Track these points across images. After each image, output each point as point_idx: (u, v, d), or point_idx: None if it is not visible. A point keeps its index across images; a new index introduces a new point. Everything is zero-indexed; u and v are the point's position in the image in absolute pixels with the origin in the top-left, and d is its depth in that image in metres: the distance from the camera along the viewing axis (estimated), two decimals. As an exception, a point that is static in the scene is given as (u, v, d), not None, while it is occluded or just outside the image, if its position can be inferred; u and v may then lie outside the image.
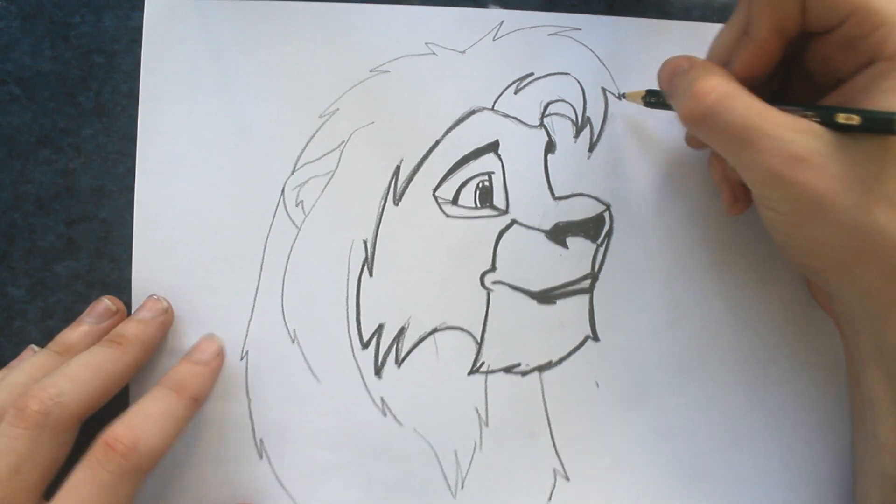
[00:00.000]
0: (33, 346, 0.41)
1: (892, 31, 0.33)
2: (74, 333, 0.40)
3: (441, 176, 0.43)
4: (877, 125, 0.33)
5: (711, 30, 0.44)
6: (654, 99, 0.41)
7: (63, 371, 0.36)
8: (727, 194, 0.41)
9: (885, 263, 0.34)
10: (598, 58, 0.44)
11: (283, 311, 0.42)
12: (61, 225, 0.43)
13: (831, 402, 0.43)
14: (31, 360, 0.38)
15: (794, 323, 0.44)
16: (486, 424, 0.42)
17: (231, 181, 0.42)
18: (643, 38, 0.45)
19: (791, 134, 0.33)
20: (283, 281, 0.42)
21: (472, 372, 0.42)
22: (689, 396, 0.43)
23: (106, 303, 0.41)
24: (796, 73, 0.39)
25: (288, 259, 0.42)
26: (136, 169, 0.42)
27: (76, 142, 0.43)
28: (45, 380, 0.36)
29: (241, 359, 0.42)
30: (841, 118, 0.33)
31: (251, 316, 0.42)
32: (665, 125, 0.44)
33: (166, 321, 0.41)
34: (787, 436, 0.43)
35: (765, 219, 0.37)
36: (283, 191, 0.43)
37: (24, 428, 0.34)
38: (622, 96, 0.44)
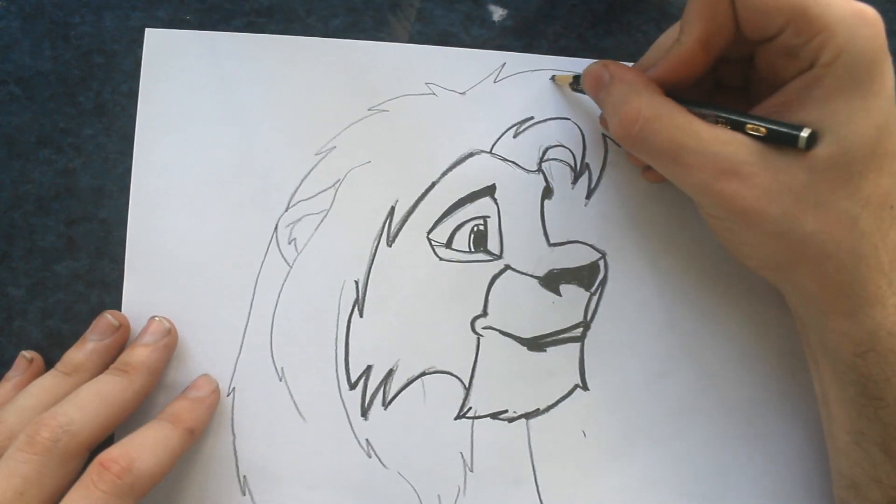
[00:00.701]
0: (24, 353, 0.41)
1: (829, 38, 0.33)
2: (80, 353, 0.40)
3: (436, 218, 0.43)
4: (783, 138, 0.34)
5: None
6: (580, 86, 0.41)
7: (72, 400, 0.36)
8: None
9: (818, 269, 0.35)
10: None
11: (271, 349, 0.42)
12: (61, 225, 0.43)
13: (821, 455, 0.43)
14: (39, 383, 0.39)
15: (784, 377, 0.44)
16: (471, 470, 0.42)
17: (224, 216, 0.42)
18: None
19: (717, 147, 0.34)
20: (273, 318, 0.42)
21: (458, 417, 0.42)
22: (677, 448, 0.43)
23: (108, 318, 0.41)
24: (754, 76, 0.39)
25: (279, 297, 0.42)
26: (130, 200, 0.42)
27: (76, 142, 0.43)
28: (56, 408, 0.36)
29: (228, 395, 0.42)
30: (749, 128, 0.34)
31: (239, 352, 0.42)
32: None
33: (170, 343, 0.41)
34: (775, 490, 0.43)
35: (706, 222, 0.38)
36: (276, 228, 0.42)
37: (33, 453, 0.34)
38: (552, 78, 0.44)
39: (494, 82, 0.44)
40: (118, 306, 0.42)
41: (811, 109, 0.34)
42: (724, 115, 0.35)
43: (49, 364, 0.40)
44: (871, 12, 0.33)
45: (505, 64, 0.44)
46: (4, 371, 0.41)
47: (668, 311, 0.43)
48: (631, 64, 0.39)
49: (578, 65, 0.44)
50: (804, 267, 0.35)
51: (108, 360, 0.40)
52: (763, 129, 0.34)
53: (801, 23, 0.33)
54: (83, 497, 0.34)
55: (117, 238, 0.42)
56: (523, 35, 0.45)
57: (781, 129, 0.34)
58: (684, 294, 0.43)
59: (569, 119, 0.44)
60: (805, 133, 0.33)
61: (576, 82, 0.42)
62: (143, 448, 0.36)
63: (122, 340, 0.41)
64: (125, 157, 0.43)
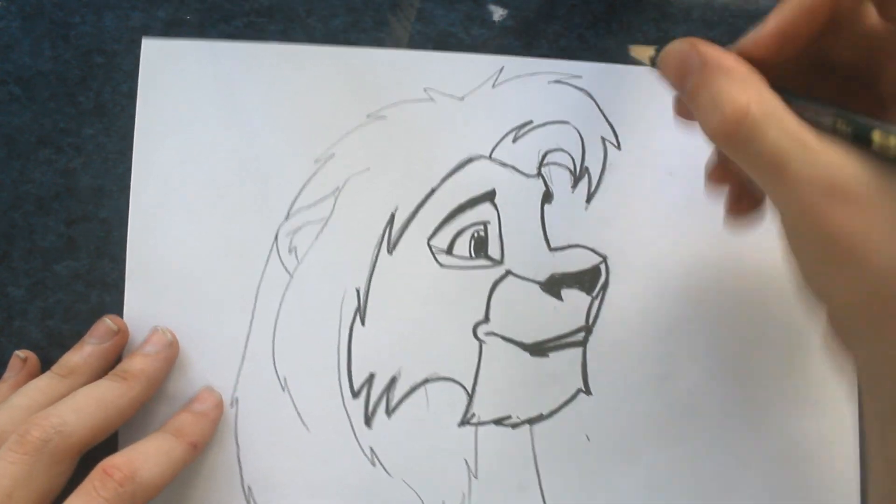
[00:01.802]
0: (18, 353, 0.41)
1: None
2: (77, 356, 0.40)
3: (436, 225, 0.42)
4: None
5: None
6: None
7: (68, 402, 0.36)
8: (731, 192, 0.36)
9: None
10: (599, 106, 0.44)
11: (274, 359, 0.42)
12: (61, 225, 0.43)
13: (825, 457, 0.43)
14: (34, 384, 0.38)
15: (788, 378, 0.43)
16: (476, 476, 0.42)
17: (224, 225, 0.42)
18: (644, 86, 0.44)
19: (833, 159, 0.27)
20: (275, 328, 0.42)
21: (462, 423, 0.42)
22: (682, 451, 0.43)
23: (107, 322, 0.41)
24: (864, 95, 0.32)
25: (280, 306, 0.42)
26: (129, 210, 0.42)
27: (76, 142, 0.43)
28: (50, 409, 0.36)
29: (231, 405, 0.42)
30: (876, 136, 0.27)
31: (242, 362, 0.42)
32: (665, 177, 0.43)
33: (171, 355, 0.41)
34: (781, 492, 0.43)
35: (791, 248, 0.31)
36: (276, 236, 0.42)
37: (23, 453, 0.34)
38: (629, 51, 0.37)
39: (493, 87, 0.43)
40: (118, 306, 0.42)
41: None
42: (842, 118, 0.28)
43: (49, 364, 0.40)
44: None
45: (503, 68, 0.44)
46: (3, 372, 0.41)
47: (670, 314, 0.43)
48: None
49: (578, 68, 0.44)
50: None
51: (105, 365, 0.40)
52: (893, 139, 0.26)
53: None
54: (85, 503, 0.33)
55: (117, 238, 0.42)
56: (523, 35, 0.45)
57: None
58: (686, 297, 0.43)
59: (568, 123, 0.43)
60: None
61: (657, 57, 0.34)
62: (147, 457, 0.35)
63: (121, 345, 0.41)
64: (125, 157, 0.43)
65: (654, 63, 0.34)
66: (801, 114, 0.28)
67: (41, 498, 0.34)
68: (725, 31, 0.46)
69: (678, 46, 0.32)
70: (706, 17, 0.46)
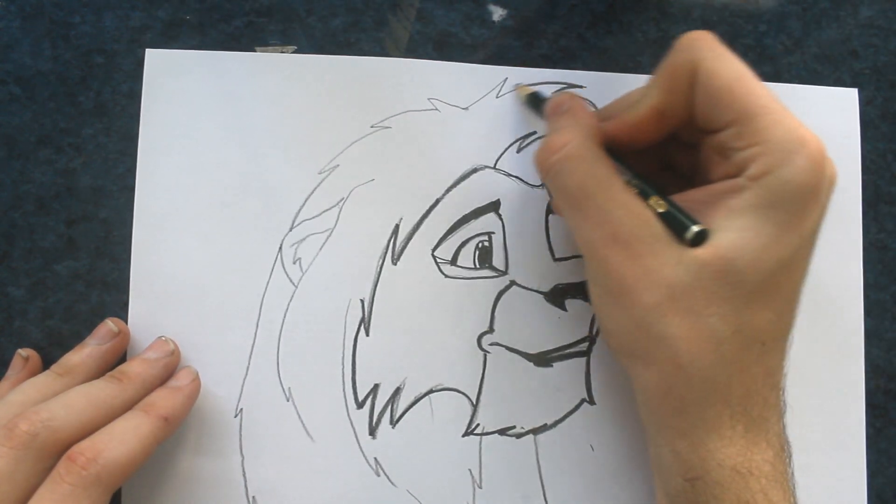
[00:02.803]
0: (20, 352, 0.41)
1: (765, 152, 0.32)
2: (76, 356, 0.40)
3: (440, 235, 0.42)
4: (675, 224, 0.33)
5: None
6: (532, 105, 0.41)
7: (59, 399, 0.36)
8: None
9: (666, 376, 0.34)
10: (602, 115, 0.44)
11: (278, 369, 0.42)
12: (61, 225, 0.43)
13: (827, 459, 0.44)
14: (32, 381, 0.38)
15: (791, 385, 0.43)
16: (480, 486, 0.42)
17: (228, 237, 0.42)
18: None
19: (621, 213, 0.34)
20: (280, 339, 0.42)
21: (466, 433, 0.42)
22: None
23: (109, 325, 0.41)
24: (696, 166, 0.38)
25: (284, 317, 0.42)
26: (134, 221, 0.42)
27: (76, 142, 0.43)
28: (41, 404, 0.36)
29: (236, 416, 0.42)
30: (651, 200, 0.34)
31: (246, 373, 0.42)
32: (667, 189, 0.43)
33: (171, 363, 0.41)
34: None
35: (586, 274, 0.37)
36: (280, 248, 0.42)
37: (10, 447, 0.34)
38: (514, 88, 0.43)
39: (497, 97, 0.43)
40: (118, 306, 0.42)
41: (721, 216, 0.33)
42: (636, 180, 0.35)
43: (50, 364, 0.40)
44: (815, 145, 0.32)
45: (507, 79, 0.43)
46: (4, 371, 0.41)
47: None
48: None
49: (581, 77, 0.44)
50: (655, 368, 0.34)
51: (104, 366, 0.40)
52: (663, 207, 0.33)
53: (744, 127, 0.33)
54: (51, 490, 0.33)
55: (117, 238, 0.42)
56: (523, 35, 0.45)
57: (677, 215, 0.33)
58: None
59: (572, 132, 0.43)
60: (695, 228, 0.32)
61: (531, 99, 0.42)
62: (112, 438, 0.35)
63: (121, 347, 0.41)
64: (125, 157, 0.43)
65: (527, 102, 0.42)
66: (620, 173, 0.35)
67: (25, 492, 0.34)
68: (725, 31, 0.46)
69: (563, 94, 0.39)
70: (706, 17, 0.46)
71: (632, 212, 0.34)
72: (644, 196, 0.34)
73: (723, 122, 0.33)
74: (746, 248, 0.32)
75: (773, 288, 0.33)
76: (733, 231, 0.32)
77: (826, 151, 0.33)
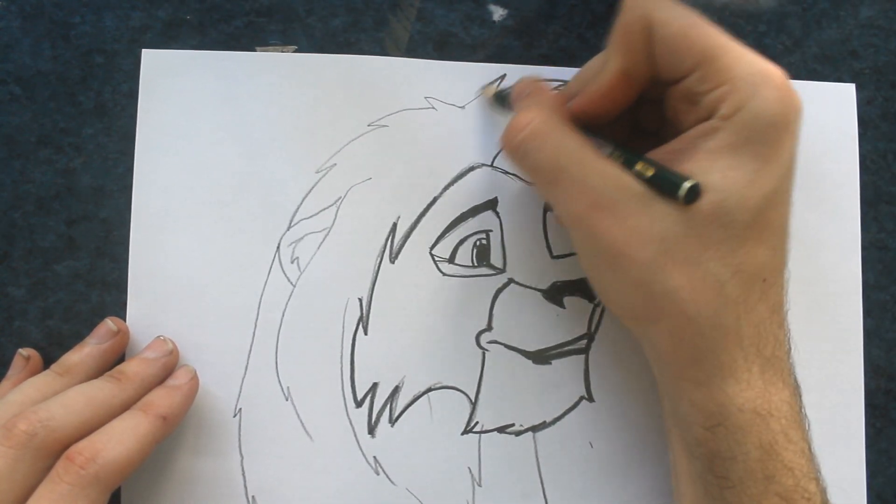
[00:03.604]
0: (21, 351, 0.41)
1: (731, 91, 0.32)
2: (76, 355, 0.40)
3: (438, 234, 0.42)
4: (665, 185, 0.32)
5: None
6: (501, 103, 0.41)
7: (58, 398, 0.36)
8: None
9: (675, 329, 0.34)
10: (600, 113, 0.44)
11: (277, 369, 0.42)
12: (61, 225, 0.43)
13: (828, 459, 0.43)
14: (32, 381, 0.39)
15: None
16: (479, 484, 0.42)
17: (226, 237, 0.42)
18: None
19: (599, 179, 0.33)
20: (278, 338, 0.42)
21: (465, 432, 0.42)
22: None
23: (108, 324, 0.41)
24: (664, 121, 0.38)
25: (283, 316, 0.42)
26: (131, 222, 0.42)
27: (76, 142, 0.43)
28: (40, 404, 0.36)
29: (235, 415, 0.42)
30: (638, 166, 0.33)
31: (245, 373, 0.42)
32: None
33: (169, 363, 0.41)
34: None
35: (574, 247, 0.37)
36: (278, 247, 0.42)
37: (8, 446, 0.34)
38: (479, 91, 0.43)
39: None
40: (118, 306, 0.42)
41: (701, 161, 0.32)
42: (618, 150, 0.34)
43: (50, 364, 0.40)
44: (778, 76, 0.32)
45: (504, 76, 0.43)
46: (4, 371, 0.41)
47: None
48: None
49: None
50: (662, 324, 0.34)
51: (104, 366, 0.40)
52: (650, 171, 0.33)
53: (707, 69, 0.32)
54: (50, 490, 0.33)
55: (117, 238, 0.42)
56: (523, 35, 0.45)
57: (666, 175, 0.32)
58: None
59: (570, 130, 0.43)
60: (687, 184, 0.31)
61: (498, 98, 0.41)
62: (110, 438, 0.35)
63: (120, 347, 0.41)
64: (125, 157, 0.43)
65: (492, 101, 0.42)
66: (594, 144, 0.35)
67: (24, 492, 0.34)
68: (725, 30, 0.45)
69: (526, 80, 0.39)
70: (706, 17, 0.46)
71: (608, 177, 0.33)
72: (629, 164, 0.33)
73: (685, 69, 0.33)
74: (732, 187, 0.32)
75: (764, 223, 0.33)
76: (716, 173, 0.32)
77: (789, 80, 0.33)
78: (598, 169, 0.34)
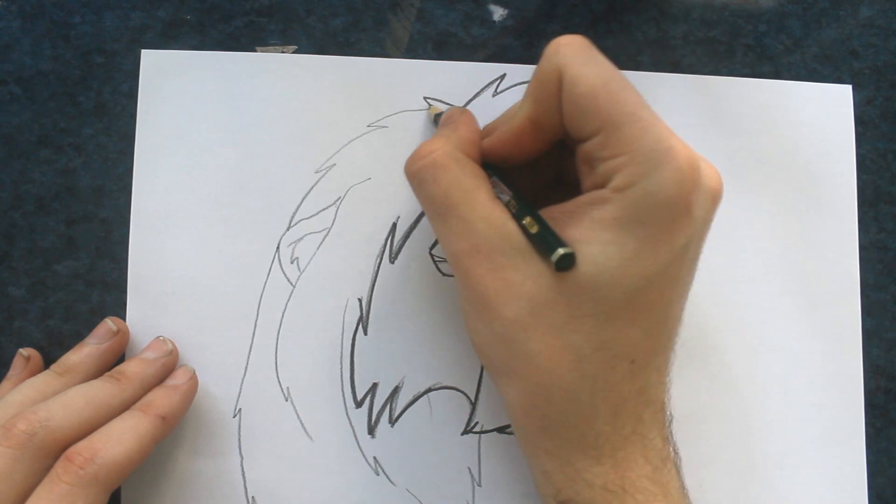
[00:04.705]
0: (21, 351, 0.41)
1: (629, 162, 0.30)
2: (76, 355, 0.40)
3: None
4: (544, 246, 0.31)
5: (714, 83, 0.44)
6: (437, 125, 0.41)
7: (58, 398, 0.36)
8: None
9: (528, 390, 0.33)
10: (599, 113, 0.44)
11: (276, 369, 0.42)
12: (61, 225, 0.43)
13: (829, 459, 0.43)
14: (32, 381, 0.39)
15: (790, 382, 0.44)
16: (479, 484, 0.42)
17: (226, 237, 0.42)
18: (643, 91, 0.44)
19: (483, 224, 0.32)
20: (278, 338, 0.42)
21: (465, 432, 0.42)
22: (685, 456, 0.42)
23: (108, 324, 0.41)
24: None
25: (282, 316, 0.42)
26: (131, 223, 0.42)
27: (76, 142, 0.43)
28: (39, 404, 0.36)
29: (234, 416, 0.42)
30: (526, 220, 0.32)
31: (244, 373, 0.42)
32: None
33: (169, 363, 0.41)
34: (785, 496, 0.43)
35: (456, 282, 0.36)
36: (278, 247, 0.42)
37: (7, 446, 0.34)
38: (428, 107, 0.43)
39: (493, 95, 0.43)
40: (118, 306, 0.42)
41: (585, 229, 0.31)
42: (514, 199, 0.33)
43: (49, 364, 0.40)
44: (684, 156, 0.30)
45: (504, 76, 0.43)
46: (4, 371, 0.41)
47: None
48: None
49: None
50: (518, 384, 0.33)
51: (103, 366, 0.40)
52: (535, 228, 0.32)
53: (609, 136, 0.31)
54: (49, 490, 0.33)
55: (117, 238, 0.42)
56: (523, 35, 0.45)
57: (546, 237, 0.31)
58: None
59: (569, 130, 0.43)
60: (561, 251, 0.30)
61: (436, 119, 0.41)
62: (109, 438, 0.35)
63: (119, 346, 0.41)
64: (125, 157, 0.43)
65: (435, 120, 0.41)
66: (494, 187, 0.34)
67: (23, 492, 0.34)
68: (725, 30, 0.46)
69: (454, 109, 0.39)
70: (706, 17, 0.46)
71: (493, 224, 0.33)
72: (520, 216, 0.32)
73: (588, 131, 0.32)
74: (608, 263, 0.31)
75: (640, 305, 0.31)
76: (596, 245, 0.31)
77: (699, 162, 0.31)
78: (486, 213, 0.33)
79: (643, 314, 0.32)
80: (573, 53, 0.32)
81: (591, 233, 0.31)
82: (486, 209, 0.33)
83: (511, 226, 0.32)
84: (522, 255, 0.32)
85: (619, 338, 0.32)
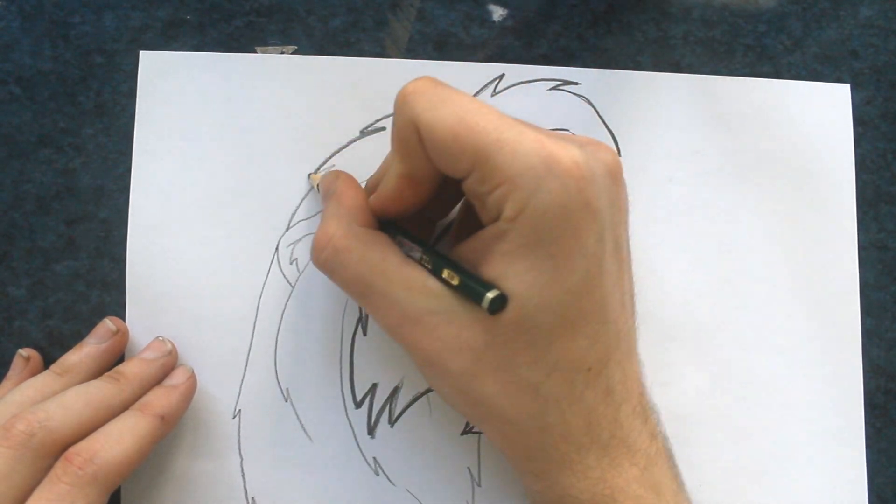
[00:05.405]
0: (21, 352, 0.41)
1: (512, 190, 0.30)
2: (75, 355, 0.40)
3: (437, 233, 0.42)
4: (471, 294, 0.31)
5: (712, 82, 0.44)
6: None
7: (57, 399, 0.36)
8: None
9: (502, 431, 0.34)
10: (598, 113, 0.44)
11: (276, 370, 0.42)
12: (61, 225, 0.43)
13: (829, 459, 0.43)
14: (31, 381, 0.39)
15: (790, 382, 0.44)
16: (479, 485, 0.42)
17: (225, 238, 0.42)
18: (643, 91, 0.44)
19: (403, 293, 0.33)
20: (277, 339, 0.42)
21: (465, 432, 0.42)
22: (684, 457, 0.42)
23: (108, 324, 0.41)
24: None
25: (282, 317, 0.42)
26: (129, 223, 0.42)
27: (76, 142, 0.43)
28: (38, 405, 0.36)
29: (234, 417, 0.42)
30: (445, 274, 0.32)
31: (244, 374, 0.42)
32: (664, 183, 0.43)
33: (168, 363, 0.41)
34: (785, 495, 0.43)
35: None
36: (277, 248, 0.42)
37: (7, 447, 0.34)
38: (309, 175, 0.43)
39: (492, 95, 0.43)
40: (118, 306, 0.42)
41: (496, 265, 0.31)
42: (427, 255, 0.33)
43: (49, 364, 0.40)
44: (564, 162, 0.29)
45: (503, 76, 0.43)
46: (4, 371, 0.41)
47: (671, 320, 0.43)
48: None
49: (577, 74, 0.44)
50: (490, 425, 0.34)
51: (103, 366, 0.40)
52: (456, 280, 0.31)
53: (483, 170, 0.30)
54: (48, 491, 0.33)
55: (117, 238, 0.42)
56: (523, 35, 0.45)
57: (471, 285, 0.31)
58: (684, 303, 0.43)
59: (568, 130, 0.43)
60: (490, 295, 0.30)
61: (318, 188, 0.41)
62: (108, 438, 0.35)
63: (119, 346, 0.41)
64: (125, 157, 0.43)
65: (318, 188, 0.40)
66: (402, 246, 0.34)
67: (22, 492, 0.34)
68: (725, 30, 0.46)
69: (328, 175, 0.38)
70: (706, 17, 0.46)
71: (414, 288, 0.33)
72: (437, 270, 0.32)
73: (462, 171, 0.31)
74: (529, 291, 0.30)
75: (575, 316, 0.31)
76: (513, 278, 0.31)
77: (579, 153, 0.30)
78: (403, 281, 0.33)
79: (582, 323, 0.32)
80: (422, 100, 0.31)
81: (504, 267, 0.31)
82: (401, 276, 0.33)
83: (431, 283, 0.33)
84: (451, 308, 0.32)
85: (567, 354, 0.32)
